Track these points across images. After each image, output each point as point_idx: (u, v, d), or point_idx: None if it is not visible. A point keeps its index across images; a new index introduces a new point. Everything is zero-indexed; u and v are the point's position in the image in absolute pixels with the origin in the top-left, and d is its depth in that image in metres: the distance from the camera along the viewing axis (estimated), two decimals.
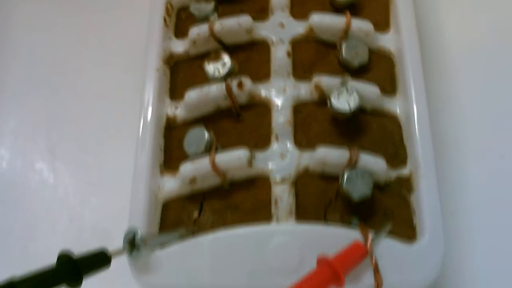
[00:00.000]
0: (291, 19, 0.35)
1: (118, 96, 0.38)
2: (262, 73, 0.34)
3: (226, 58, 0.34)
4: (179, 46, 0.36)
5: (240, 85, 0.33)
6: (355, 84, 0.33)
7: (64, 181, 0.37)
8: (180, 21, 0.37)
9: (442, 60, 0.38)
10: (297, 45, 0.35)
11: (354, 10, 0.36)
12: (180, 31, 0.36)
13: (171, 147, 0.33)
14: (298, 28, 0.35)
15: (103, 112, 0.38)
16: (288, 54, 0.34)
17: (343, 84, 0.32)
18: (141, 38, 0.35)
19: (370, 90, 0.33)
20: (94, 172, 0.36)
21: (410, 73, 0.33)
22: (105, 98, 0.38)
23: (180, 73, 0.35)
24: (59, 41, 0.41)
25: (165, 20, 0.35)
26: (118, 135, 0.37)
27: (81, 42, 0.41)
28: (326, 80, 0.33)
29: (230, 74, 0.33)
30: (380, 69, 0.34)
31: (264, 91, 0.33)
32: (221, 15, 0.36)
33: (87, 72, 0.39)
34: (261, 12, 0.36)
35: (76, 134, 0.38)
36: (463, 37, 0.39)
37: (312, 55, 0.35)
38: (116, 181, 0.35)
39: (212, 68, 0.33)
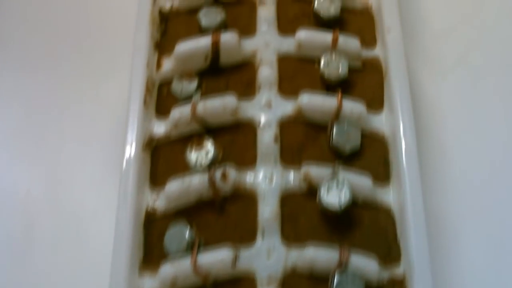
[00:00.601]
0: (279, 97, 0.33)
1: (97, 178, 0.36)
2: (247, 158, 0.32)
3: (209, 145, 0.32)
4: (160, 127, 0.34)
5: (224, 176, 0.31)
6: (346, 175, 0.31)
7: (39, 269, 0.35)
8: (161, 97, 0.35)
9: (437, 139, 0.36)
10: (285, 127, 0.33)
11: (346, 86, 0.34)
12: (161, 109, 0.34)
13: (151, 242, 0.31)
14: (287, 107, 0.33)
15: (81, 194, 0.36)
16: (276, 138, 0.32)
17: (334, 175, 0.31)
18: (122, 113, 0.34)
19: (362, 182, 0.31)
20: (72, 263, 0.34)
21: (404, 161, 0.31)
22: (84, 179, 0.36)
23: (161, 158, 0.33)
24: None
25: (145, 101, 0.33)
26: (97, 219, 0.35)
27: (58, 119, 0.39)
28: (315, 171, 0.31)
29: (213, 162, 0.32)
30: (372, 154, 0.32)
31: (249, 180, 0.31)
32: (205, 91, 0.34)
33: (66, 151, 0.37)
34: (248, 86, 0.34)
35: (54, 219, 0.36)
36: (460, 113, 0.37)
37: (301, 138, 0.33)
38: (96, 270, 0.33)
39: (194, 157, 0.31)
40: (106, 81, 0.39)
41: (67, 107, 0.38)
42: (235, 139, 0.33)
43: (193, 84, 0.34)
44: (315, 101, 0.33)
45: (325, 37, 0.34)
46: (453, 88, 0.38)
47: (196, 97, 0.33)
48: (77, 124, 0.38)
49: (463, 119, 0.37)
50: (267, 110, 0.33)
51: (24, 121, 0.39)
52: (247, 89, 0.34)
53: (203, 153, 0.31)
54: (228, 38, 0.34)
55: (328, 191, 0.30)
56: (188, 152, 0.32)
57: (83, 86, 0.39)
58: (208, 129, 0.33)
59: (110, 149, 0.36)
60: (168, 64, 0.35)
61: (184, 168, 0.32)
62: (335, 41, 0.34)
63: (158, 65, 0.35)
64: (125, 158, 0.32)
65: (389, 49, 0.34)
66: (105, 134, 0.37)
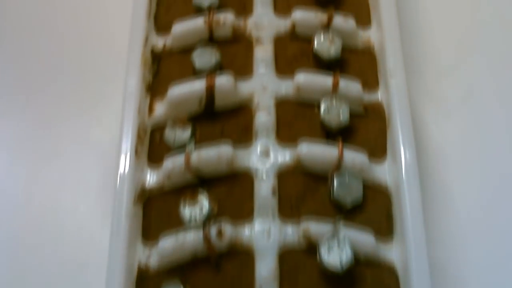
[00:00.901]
0: (277, 145, 0.32)
1: (88, 229, 0.35)
2: (244, 212, 0.31)
3: (204, 200, 0.30)
4: (153, 177, 0.32)
5: (219, 233, 0.29)
6: (347, 231, 0.29)
7: None
8: (153, 144, 0.33)
9: (442, 183, 0.34)
10: (284, 178, 0.31)
11: (348, 133, 0.32)
12: (154, 157, 0.33)
13: None
14: (285, 157, 0.31)
15: (72, 246, 0.34)
16: (274, 191, 0.31)
17: (334, 232, 0.29)
18: (113, 161, 0.32)
19: (364, 239, 0.29)
20: None
21: (408, 215, 0.30)
22: (74, 231, 0.35)
23: (154, 210, 0.32)
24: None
25: (136, 150, 0.32)
26: (88, 272, 0.34)
27: (46, 168, 0.37)
28: (315, 227, 0.29)
29: (208, 218, 0.30)
30: (375, 207, 0.31)
31: (246, 235, 0.30)
32: (200, 137, 0.32)
33: (54, 200, 0.36)
34: (244, 132, 0.33)
35: (41, 270, 0.34)
36: (465, 154, 0.35)
37: (300, 190, 0.31)
38: None
39: (188, 213, 0.30)
40: (96, 124, 0.37)
41: (54, 154, 0.37)
42: (231, 191, 0.31)
43: (187, 132, 0.32)
44: (315, 151, 0.31)
45: (325, 80, 0.33)
46: (457, 127, 0.36)
47: (190, 146, 0.32)
48: (66, 169, 0.36)
49: (468, 161, 0.35)
50: (264, 160, 0.31)
51: (10, 168, 0.37)
52: (243, 135, 0.33)
53: (197, 208, 0.30)
54: (223, 81, 0.33)
55: (329, 250, 0.29)
56: (181, 207, 0.30)
57: (72, 130, 0.37)
58: (202, 180, 0.32)
59: (102, 198, 0.34)
60: (160, 108, 0.33)
61: (177, 221, 0.30)
62: (335, 85, 0.33)
63: (150, 109, 0.34)
64: (116, 213, 0.30)
65: (393, 94, 0.32)
66: (96, 181, 0.36)
